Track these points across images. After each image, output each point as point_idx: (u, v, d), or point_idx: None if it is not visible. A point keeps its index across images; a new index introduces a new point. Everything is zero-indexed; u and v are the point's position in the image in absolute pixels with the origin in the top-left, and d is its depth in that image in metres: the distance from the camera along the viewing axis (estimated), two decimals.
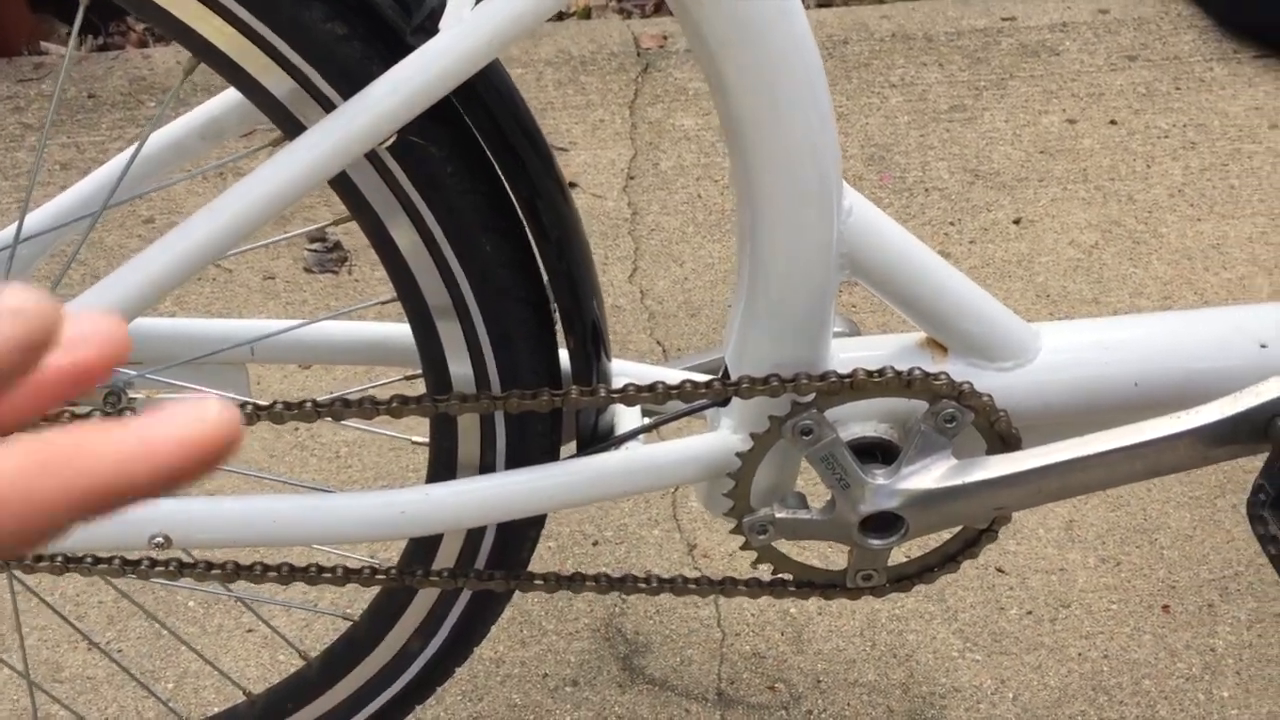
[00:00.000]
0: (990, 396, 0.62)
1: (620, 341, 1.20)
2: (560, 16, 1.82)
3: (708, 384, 0.62)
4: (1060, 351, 0.65)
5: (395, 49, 0.53)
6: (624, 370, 0.69)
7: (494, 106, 0.57)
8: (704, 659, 0.91)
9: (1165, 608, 0.94)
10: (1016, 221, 1.33)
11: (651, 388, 0.61)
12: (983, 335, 0.65)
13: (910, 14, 1.69)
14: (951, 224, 1.34)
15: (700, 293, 1.26)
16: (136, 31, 1.83)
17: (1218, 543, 0.98)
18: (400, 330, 0.69)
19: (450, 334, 0.63)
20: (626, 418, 0.69)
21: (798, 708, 0.88)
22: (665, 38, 1.67)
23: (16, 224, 0.64)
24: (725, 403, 0.65)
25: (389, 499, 0.63)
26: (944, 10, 1.70)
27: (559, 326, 0.64)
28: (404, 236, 0.60)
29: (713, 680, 0.89)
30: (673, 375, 0.66)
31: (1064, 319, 0.72)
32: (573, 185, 1.40)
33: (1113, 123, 1.47)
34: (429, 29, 0.53)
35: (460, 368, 0.64)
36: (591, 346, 0.64)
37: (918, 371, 0.61)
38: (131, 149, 0.65)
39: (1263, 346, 0.65)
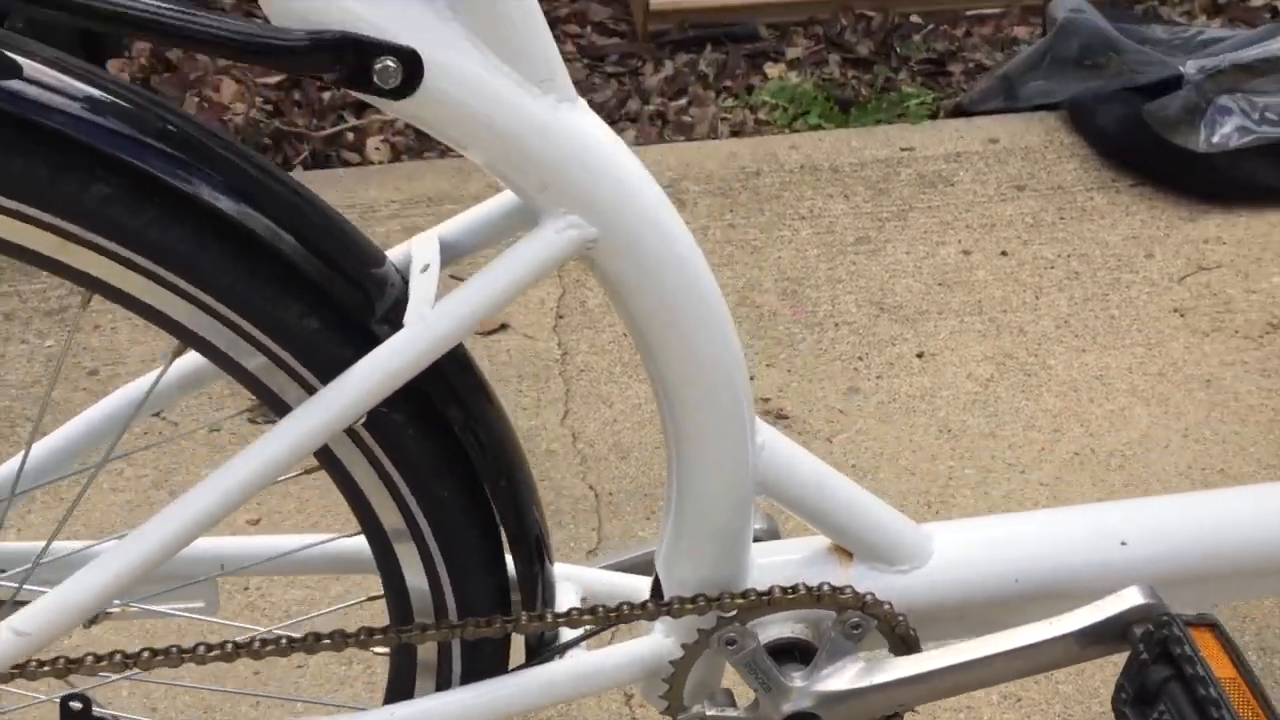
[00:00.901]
0: (890, 604, 0.71)
1: (555, 487, 1.27)
2: None
3: (643, 606, 0.69)
4: (949, 552, 0.74)
5: (363, 338, 0.60)
6: (564, 574, 0.77)
7: (452, 378, 0.64)
8: None
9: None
10: (919, 355, 1.44)
11: (593, 610, 0.69)
12: (882, 542, 0.73)
13: (817, 144, 1.81)
14: (860, 359, 1.44)
15: (629, 434, 1.34)
16: None
17: (1107, 676, 1.07)
18: (363, 546, 0.75)
19: (408, 555, 0.70)
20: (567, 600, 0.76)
21: None
22: None
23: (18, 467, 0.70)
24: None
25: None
26: (848, 140, 1.82)
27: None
28: (365, 478, 0.67)
29: None
30: (610, 590, 0.74)
31: (950, 519, 0.81)
32: (504, 327, 1.48)
33: (1004, 254, 1.59)
34: (393, 320, 0.61)
35: (418, 582, 0.71)
36: (536, 559, 0.71)
37: (826, 587, 0.69)
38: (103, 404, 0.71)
39: (1123, 544, 0.75)
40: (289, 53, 0.49)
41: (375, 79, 0.51)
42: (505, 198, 0.66)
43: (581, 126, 0.56)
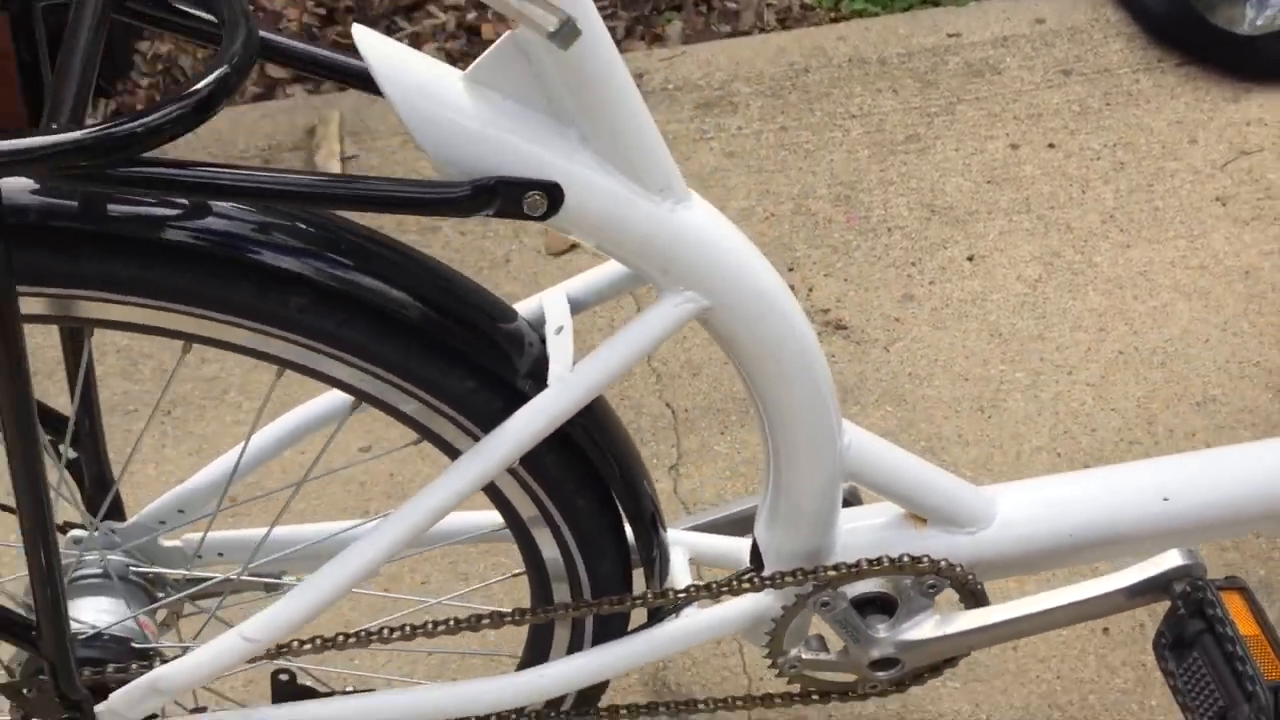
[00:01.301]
0: (961, 566, 0.82)
1: (635, 406, 1.39)
2: None
3: (750, 579, 0.81)
4: (1011, 514, 0.85)
5: (512, 392, 0.71)
6: (672, 538, 0.89)
7: (589, 423, 0.74)
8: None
9: (1105, 630, 1.17)
10: (970, 259, 1.52)
11: (708, 586, 0.81)
12: (951, 509, 0.84)
13: (864, 34, 1.84)
14: (913, 264, 1.52)
15: (699, 351, 1.44)
16: (143, 88, 1.95)
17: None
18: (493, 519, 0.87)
19: (544, 538, 0.82)
20: (681, 576, 0.89)
21: None
22: (640, 76, 1.81)
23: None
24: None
25: (523, 679, 0.83)
26: (895, 28, 1.85)
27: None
28: (510, 490, 0.78)
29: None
30: (713, 552, 0.86)
31: (1010, 482, 0.91)
32: (574, 246, 1.57)
33: (1051, 146, 1.65)
34: (535, 375, 0.71)
35: (554, 558, 0.83)
36: (652, 530, 0.83)
37: (906, 558, 0.81)
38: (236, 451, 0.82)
39: (1165, 500, 0.85)
40: (457, 202, 0.58)
41: (525, 209, 0.60)
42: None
43: (693, 221, 0.65)
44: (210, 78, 0.53)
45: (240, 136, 1.77)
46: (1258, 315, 1.42)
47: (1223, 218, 1.53)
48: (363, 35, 0.59)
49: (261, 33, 0.60)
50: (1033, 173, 1.61)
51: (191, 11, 0.62)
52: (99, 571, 0.82)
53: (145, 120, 0.51)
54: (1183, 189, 1.57)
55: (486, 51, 0.59)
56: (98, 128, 0.51)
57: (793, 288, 1.45)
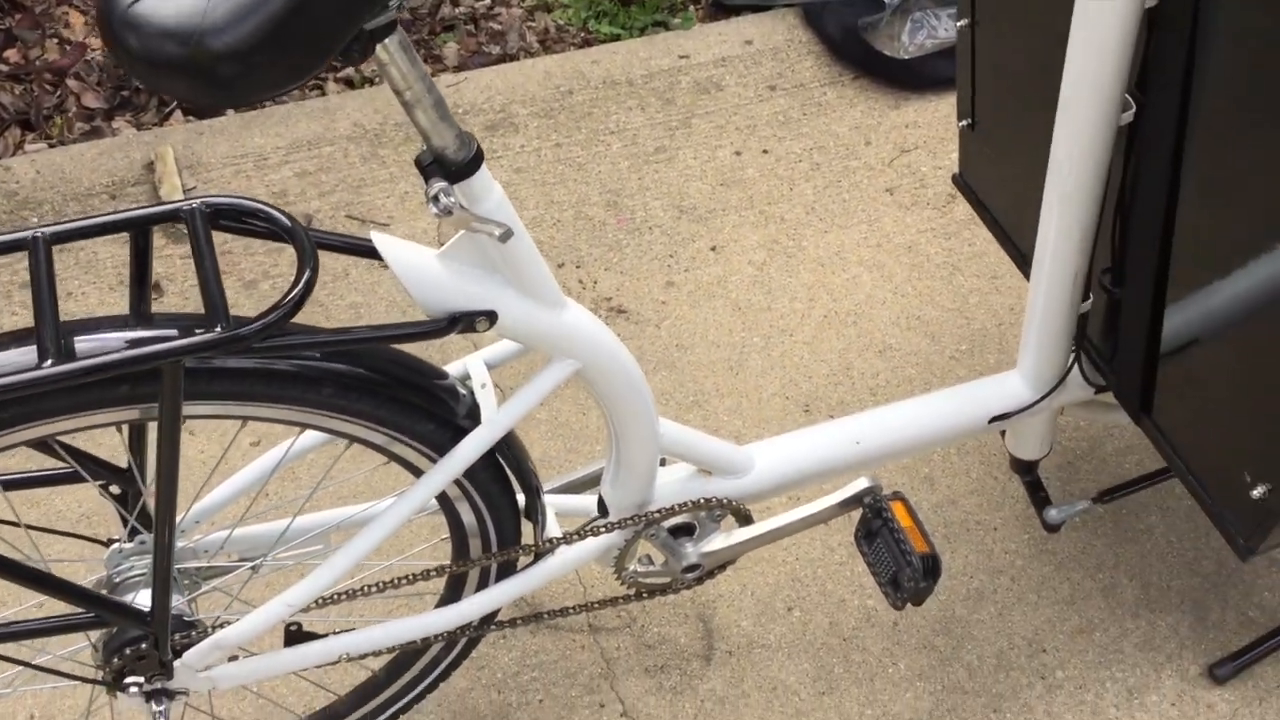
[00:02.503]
0: (734, 500, 1.28)
1: None
2: (350, 84, 2.24)
3: (607, 525, 1.24)
4: (763, 462, 1.31)
5: (454, 430, 1.09)
6: (551, 502, 1.30)
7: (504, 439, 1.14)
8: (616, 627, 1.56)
9: (824, 525, 1.66)
10: (713, 249, 1.98)
11: (577, 533, 1.23)
12: (727, 464, 1.29)
13: (613, 58, 2.25)
14: (671, 256, 1.96)
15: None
16: None
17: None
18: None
19: (465, 510, 1.22)
20: (553, 527, 1.30)
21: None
22: None
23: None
24: None
25: (456, 611, 1.23)
26: (637, 51, 2.26)
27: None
28: (450, 488, 1.17)
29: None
30: (571, 507, 1.28)
31: (761, 440, 1.36)
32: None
33: (765, 151, 2.12)
34: (472, 417, 1.10)
35: (471, 522, 1.23)
36: (536, 496, 1.24)
37: (701, 499, 1.25)
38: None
39: (857, 443, 1.33)
40: (440, 330, 0.97)
41: (476, 327, 0.99)
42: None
43: (569, 318, 1.06)
44: (297, 289, 0.89)
45: (84, 175, 2.01)
46: (918, 280, 1.95)
47: (891, 205, 2.05)
48: (378, 236, 0.96)
49: (312, 232, 0.95)
50: (753, 175, 2.08)
51: (264, 226, 0.96)
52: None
53: (263, 321, 0.87)
54: (862, 183, 2.08)
55: (451, 241, 0.97)
56: (236, 329, 0.86)
57: (580, 282, 1.89)
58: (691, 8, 2.42)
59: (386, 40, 0.84)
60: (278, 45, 0.75)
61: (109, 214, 0.93)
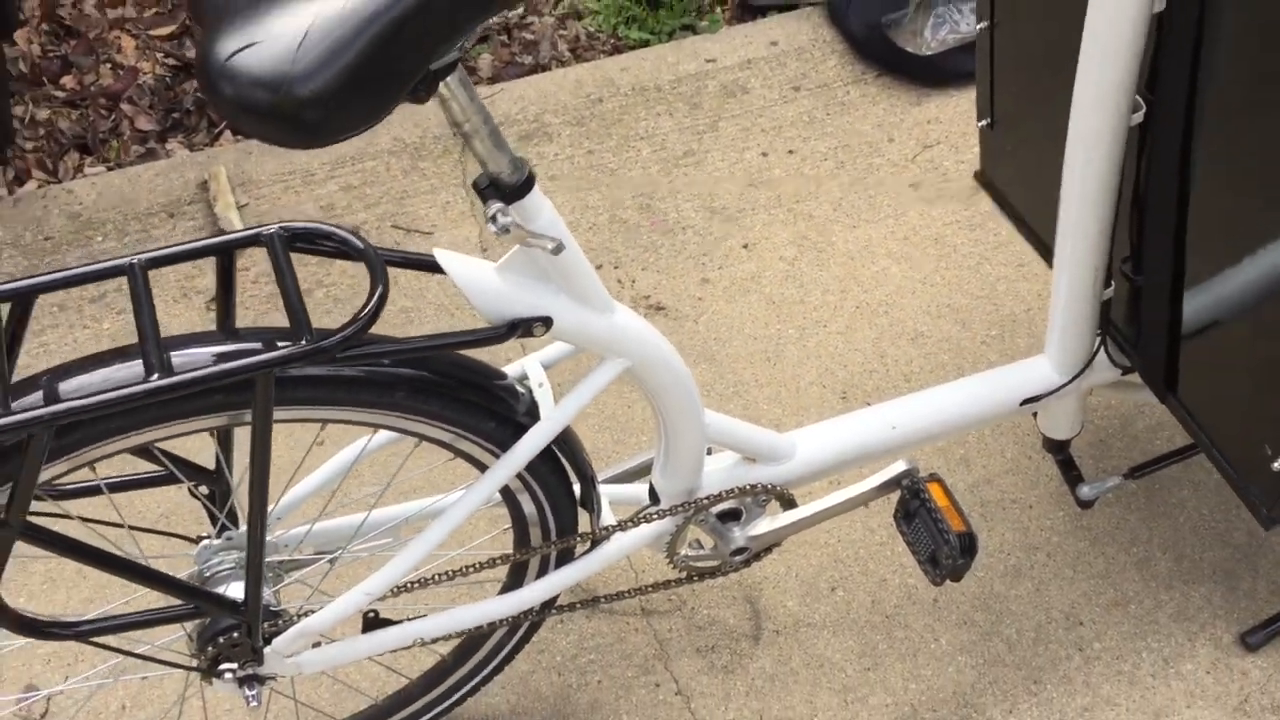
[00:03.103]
0: (778, 485, 1.35)
1: None
2: None
3: (659, 512, 1.31)
4: (804, 448, 1.38)
5: (515, 427, 1.17)
6: (605, 491, 1.38)
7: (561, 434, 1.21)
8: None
9: (865, 506, 1.73)
10: (745, 247, 2.05)
11: (632, 520, 1.31)
12: (770, 452, 1.36)
13: (641, 64, 2.32)
14: (704, 255, 2.03)
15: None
16: (29, 151, 2.21)
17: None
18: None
19: (526, 500, 1.29)
20: (607, 515, 1.37)
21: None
22: None
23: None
24: None
25: (518, 597, 1.30)
26: (665, 57, 2.33)
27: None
28: (512, 480, 1.25)
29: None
30: (624, 496, 1.36)
31: (803, 427, 1.43)
32: None
33: (791, 152, 2.18)
34: (531, 414, 1.17)
35: (532, 512, 1.30)
36: (592, 487, 1.31)
37: (746, 486, 1.33)
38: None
39: (894, 428, 1.40)
40: (500, 336, 1.04)
41: (534, 333, 1.07)
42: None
43: (618, 321, 1.13)
44: (372, 303, 0.96)
45: (142, 196, 2.10)
46: (946, 270, 2.01)
47: (916, 199, 2.11)
48: (440, 253, 1.04)
49: (380, 251, 1.02)
50: (781, 175, 2.15)
51: (337, 247, 1.03)
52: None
53: (344, 334, 0.95)
54: (887, 179, 2.14)
55: (507, 254, 1.05)
56: (320, 341, 0.94)
57: (618, 281, 1.96)
58: (719, 9, 2.49)
59: (449, 78, 0.92)
60: (357, 90, 0.83)
61: (197, 240, 1.01)
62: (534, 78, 2.32)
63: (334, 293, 1.96)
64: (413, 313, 1.93)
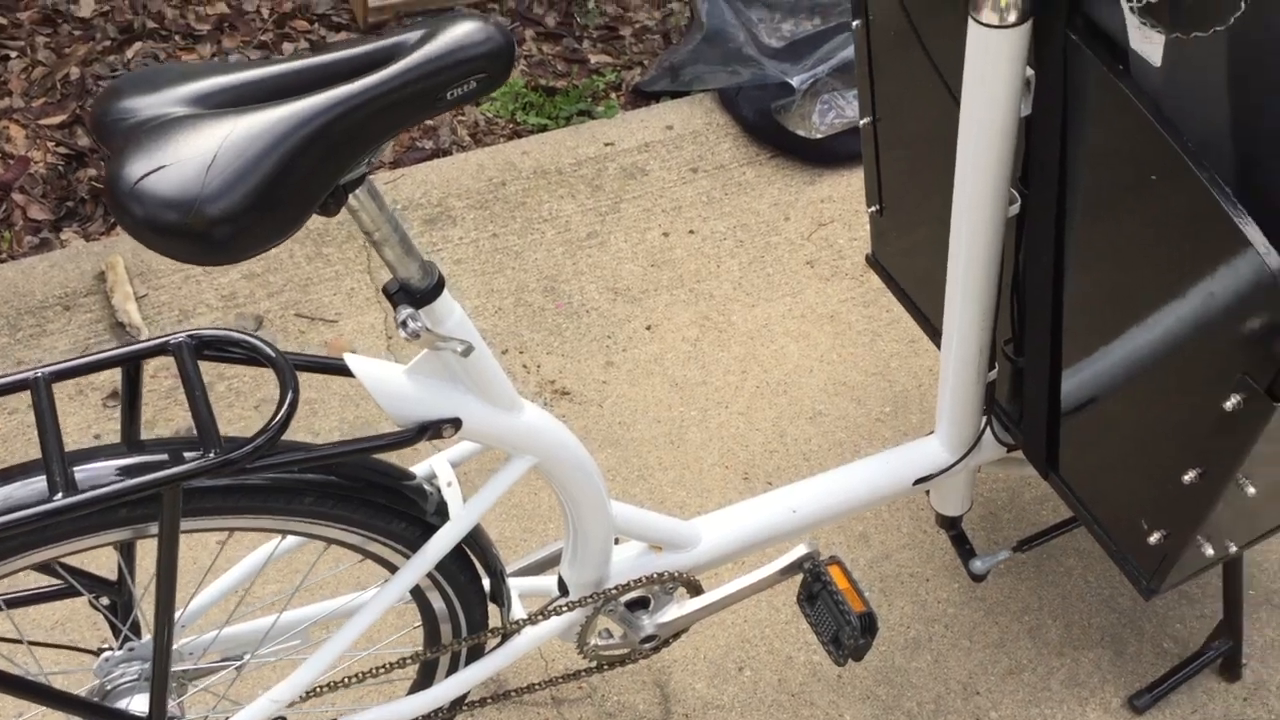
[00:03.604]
0: (684, 573, 1.37)
1: None
2: None
3: (569, 604, 1.33)
4: (709, 536, 1.41)
5: (424, 527, 1.18)
6: (514, 585, 1.39)
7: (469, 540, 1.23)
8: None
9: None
10: (648, 328, 2.09)
11: (542, 613, 1.32)
12: (675, 540, 1.39)
13: (542, 148, 2.36)
14: (609, 337, 2.07)
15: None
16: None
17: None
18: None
19: (435, 599, 1.30)
20: (517, 609, 1.38)
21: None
22: None
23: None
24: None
25: (431, 694, 1.30)
26: (564, 141, 2.38)
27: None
28: (422, 580, 1.25)
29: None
30: (533, 588, 1.37)
31: (706, 514, 1.47)
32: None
33: (691, 232, 2.24)
34: (440, 513, 1.19)
35: (441, 609, 1.31)
36: (501, 581, 1.33)
37: (654, 574, 1.35)
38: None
39: (794, 511, 1.44)
40: (410, 439, 1.06)
41: (442, 434, 1.09)
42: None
43: (525, 418, 1.15)
44: (283, 412, 0.97)
45: (36, 288, 2.07)
46: (842, 348, 2.07)
47: (812, 277, 2.18)
48: (350, 357, 1.05)
49: (290, 355, 1.03)
50: (682, 255, 2.20)
51: (247, 354, 1.04)
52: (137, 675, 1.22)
53: (254, 444, 0.95)
54: (784, 258, 2.20)
55: (415, 358, 1.07)
56: (229, 454, 0.95)
57: (524, 366, 1.98)
58: (614, 95, 2.55)
59: (357, 190, 0.94)
60: (266, 209, 0.84)
61: (103, 351, 1.01)
62: (436, 162, 2.35)
63: (235, 385, 1.94)
64: (317, 404, 1.93)
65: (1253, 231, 0.96)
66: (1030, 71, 1.12)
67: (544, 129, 2.44)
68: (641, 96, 2.53)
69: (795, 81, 2.31)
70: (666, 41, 2.67)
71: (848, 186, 2.32)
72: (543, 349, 2.04)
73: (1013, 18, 1.05)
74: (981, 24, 1.07)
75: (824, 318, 2.11)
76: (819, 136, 2.30)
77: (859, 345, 2.06)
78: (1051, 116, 1.12)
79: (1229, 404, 1.05)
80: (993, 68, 1.09)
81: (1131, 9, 0.74)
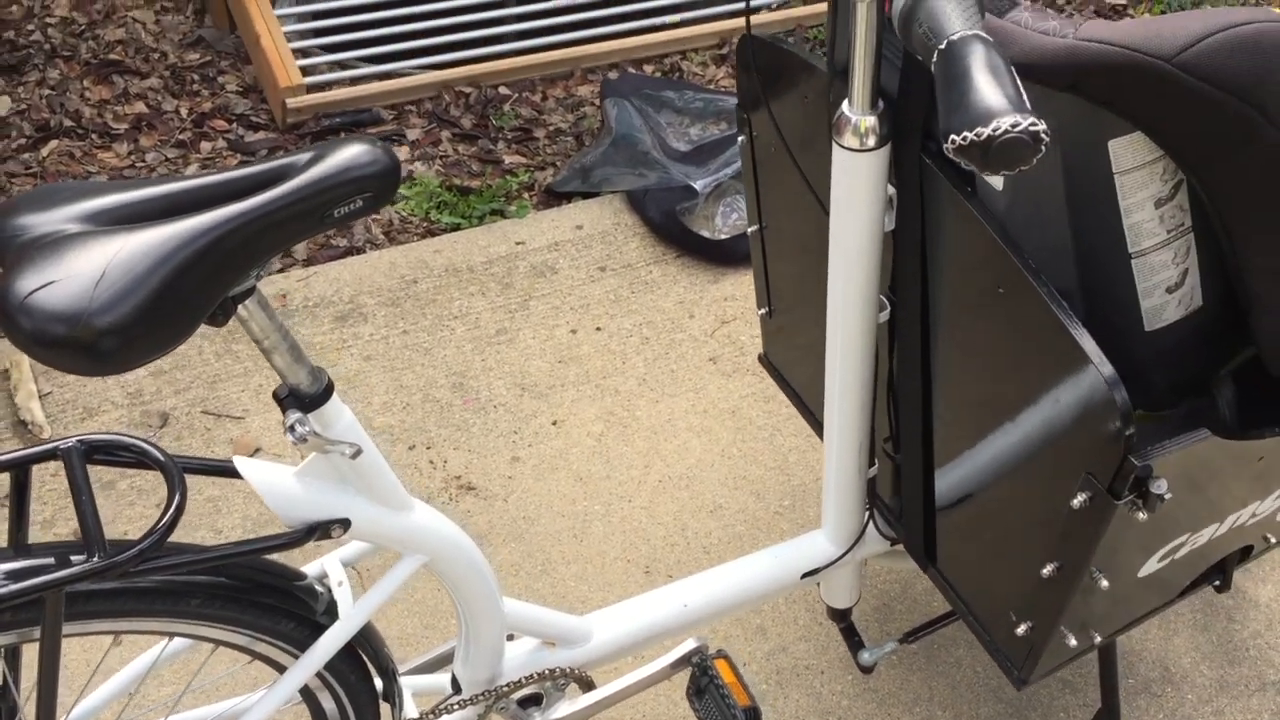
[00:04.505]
0: (577, 669, 1.40)
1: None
2: None
3: (460, 702, 1.35)
4: (602, 631, 1.44)
5: (313, 626, 1.20)
6: (407, 683, 1.40)
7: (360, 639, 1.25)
8: None
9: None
10: (554, 423, 2.13)
11: (433, 712, 1.34)
12: (568, 635, 1.42)
13: (454, 246, 2.42)
14: (515, 432, 2.11)
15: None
16: None
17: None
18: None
19: (325, 698, 1.31)
20: (409, 708, 1.40)
21: None
22: (284, 296, 2.28)
23: None
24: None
25: None
26: (476, 239, 2.44)
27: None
28: (311, 680, 1.27)
29: None
30: (425, 686, 1.39)
31: (601, 609, 1.50)
32: (257, 451, 2.02)
33: (598, 329, 2.30)
34: (330, 613, 1.21)
35: (331, 709, 1.32)
36: (393, 681, 1.35)
37: (545, 671, 1.38)
38: None
39: (685, 605, 1.48)
40: (299, 539, 1.09)
41: (331, 535, 1.12)
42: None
43: (415, 519, 1.19)
44: (169, 515, 1.00)
45: None
46: (742, 443, 2.13)
47: (715, 373, 2.24)
48: (239, 460, 1.08)
49: (179, 458, 1.06)
50: (589, 351, 2.26)
51: (136, 458, 1.07)
52: None
53: (139, 548, 0.98)
54: (688, 354, 2.27)
55: (305, 461, 1.10)
56: (113, 557, 0.97)
57: (430, 462, 2.01)
58: (526, 195, 2.62)
59: (247, 301, 0.98)
60: (154, 320, 0.88)
61: None
62: (349, 260, 2.39)
63: (138, 483, 1.95)
64: (221, 501, 1.94)
65: (1087, 343, 1.03)
66: (892, 190, 1.20)
67: (457, 228, 2.50)
68: (553, 196, 2.61)
69: (699, 185, 2.39)
70: (579, 144, 2.76)
71: (749, 286, 2.40)
72: (449, 444, 2.08)
73: (872, 142, 1.13)
74: (844, 148, 1.15)
75: (726, 413, 2.17)
76: (722, 238, 2.38)
77: (759, 440, 2.12)
78: (912, 231, 1.20)
79: (1076, 501, 1.11)
80: (857, 187, 1.17)
81: (948, 150, 0.81)
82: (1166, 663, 1.83)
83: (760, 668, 1.79)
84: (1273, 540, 1.49)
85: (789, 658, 1.80)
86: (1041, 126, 0.78)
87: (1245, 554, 1.48)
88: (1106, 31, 0.92)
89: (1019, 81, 0.80)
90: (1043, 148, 0.78)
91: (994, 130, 0.78)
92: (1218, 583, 1.47)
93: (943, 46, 0.83)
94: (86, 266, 0.89)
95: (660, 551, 1.94)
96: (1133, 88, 0.94)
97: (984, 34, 0.82)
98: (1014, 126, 0.78)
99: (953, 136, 0.80)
